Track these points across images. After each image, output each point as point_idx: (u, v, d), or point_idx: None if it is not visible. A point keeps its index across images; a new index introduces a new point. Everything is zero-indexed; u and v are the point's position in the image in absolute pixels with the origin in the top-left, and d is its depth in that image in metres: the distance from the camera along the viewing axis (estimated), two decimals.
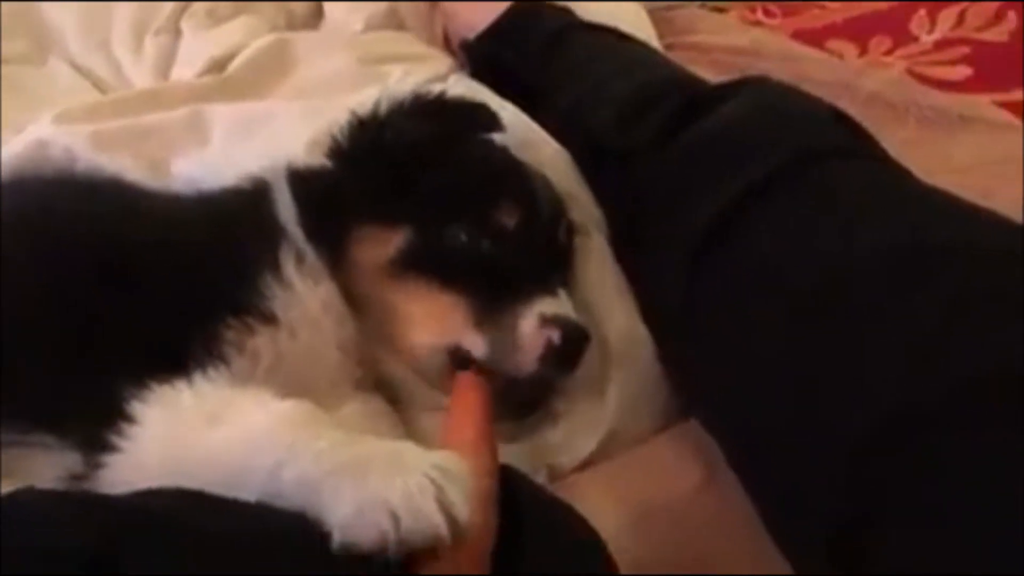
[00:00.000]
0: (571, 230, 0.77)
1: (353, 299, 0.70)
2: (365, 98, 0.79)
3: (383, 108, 0.75)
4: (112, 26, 1.08)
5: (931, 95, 1.04)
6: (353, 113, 0.76)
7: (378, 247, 0.70)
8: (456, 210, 0.70)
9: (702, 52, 1.14)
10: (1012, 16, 1.17)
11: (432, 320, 0.69)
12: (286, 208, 0.71)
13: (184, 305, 0.63)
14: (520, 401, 0.71)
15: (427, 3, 1.09)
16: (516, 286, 0.68)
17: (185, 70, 1.02)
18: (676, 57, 1.00)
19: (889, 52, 1.17)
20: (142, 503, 0.51)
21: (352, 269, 0.70)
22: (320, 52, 1.00)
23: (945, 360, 0.52)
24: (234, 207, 0.73)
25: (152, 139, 0.86)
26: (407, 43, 1.06)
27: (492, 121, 0.78)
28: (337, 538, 0.49)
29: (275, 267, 0.67)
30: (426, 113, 0.76)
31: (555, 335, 0.67)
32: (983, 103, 1.04)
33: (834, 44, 1.20)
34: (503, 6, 0.99)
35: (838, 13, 1.25)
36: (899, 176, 0.68)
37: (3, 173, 0.80)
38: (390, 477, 0.50)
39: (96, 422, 0.57)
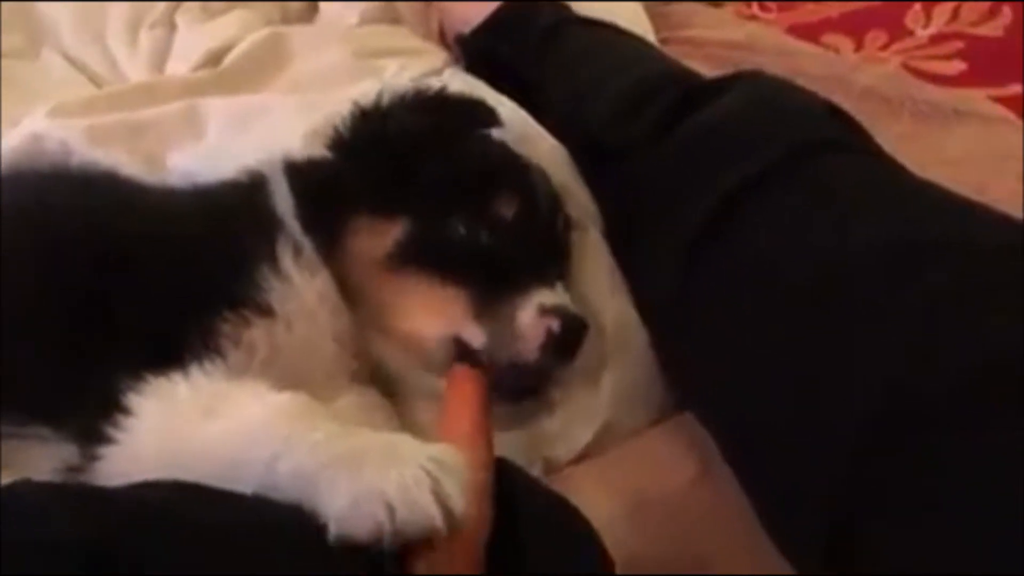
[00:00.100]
0: (568, 223, 0.77)
1: (350, 291, 0.70)
2: (360, 91, 0.79)
3: (385, 101, 0.76)
4: (107, 20, 1.07)
5: (926, 89, 1.05)
6: (356, 104, 0.76)
7: (376, 239, 0.70)
8: (455, 202, 0.70)
9: (697, 46, 1.14)
10: (1007, 11, 1.17)
11: (431, 312, 0.69)
12: (283, 200, 0.71)
13: (180, 298, 0.63)
14: (518, 389, 0.71)
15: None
16: (515, 278, 0.68)
17: (180, 64, 1.01)
18: (672, 51, 1.00)
19: (884, 47, 1.17)
20: (139, 495, 0.51)
21: (349, 261, 0.70)
22: (315, 46, 1.00)
23: (940, 354, 0.52)
24: (230, 200, 0.73)
25: (148, 133, 0.86)
26: (402, 37, 1.06)
27: (491, 117, 0.78)
28: (333, 530, 0.49)
29: (272, 259, 0.67)
30: (427, 107, 0.76)
31: (555, 324, 0.67)
32: (978, 98, 1.04)
33: (829, 38, 1.20)
34: (498, 1, 0.99)
35: (834, 8, 1.25)
36: (893, 171, 0.68)
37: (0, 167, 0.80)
38: (386, 469, 0.50)
39: (92, 414, 0.57)
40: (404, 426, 0.70)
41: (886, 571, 0.51)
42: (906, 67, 1.12)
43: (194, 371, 0.59)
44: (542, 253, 0.72)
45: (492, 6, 0.99)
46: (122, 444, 0.57)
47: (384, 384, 0.71)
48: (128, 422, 0.57)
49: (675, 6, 1.23)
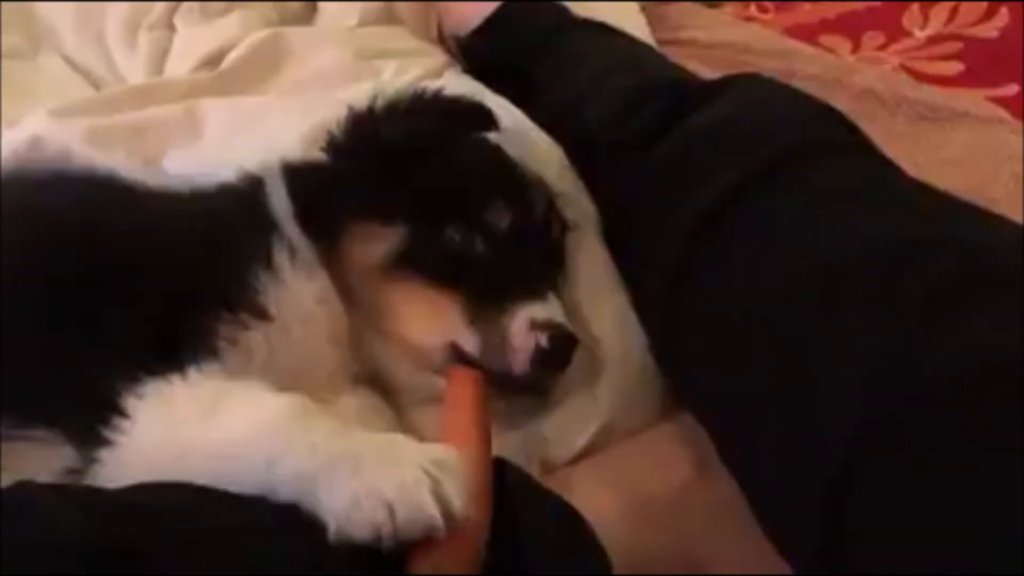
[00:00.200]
0: (564, 228, 0.77)
1: (347, 293, 0.70)
2: (359, 93, 0.79)
3: (379, 104, 0.76)
4: (106, 21, 1.08)
5: (922, 90, 1.05)
6: (350, 108, 0.76)
7: (373, 243, 0.70)
8: (450, 209, 0.71)
9: (695, 48, 1.14)
10: (1004, 12, 1.17)
11: (426, 316, 0.69)
12: (280, 203, 0.71)
13: (178, 300, 0.63)
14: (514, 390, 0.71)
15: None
16: (508, 287, 0.69)
17: (179, 65, 1.01)
18: (669, 52, 1.01)
19: (882, 47, 1.17)
20: (143, 497, 0.51)
21: (346, 264, 0.70)
22: (314, 47, 1.00)
23: (936, 354, 0.52)
24: (228, 202, 0.73)
25: (147, 135, 0.86)
26: (401, 38, 1.06)
27: (489, 120, 0.78)
28: (333, 530, 0.49)
29: (268, 262, 0.67)
30: (423, 110, 0.76)
31: (543, 339, 0.67)
32: (974, 98, 1.05)
33: (827, 39, 1.20)
34: (497, 2, 1.00)
35: (831, 9, 1.26)
36: (889, 172, 0.68)
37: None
38: (385, 469, 0.50)
39: (91, 417, 0.57)
40: (403, 427, 0.70)
41: (882, 570, 0.51)
42: (903, 68, 1.12)
43: (192, 373, 0.59)
44: (536, 263, 0.73)
45: (491, 7, 1.00)
46: (121, 446, 0.57)
47: (383, 385, 0.72)
48: (127, 424, 0.57)
49: (673, 7, 1.24)
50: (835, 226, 0.61)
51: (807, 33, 1.21)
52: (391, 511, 0.48)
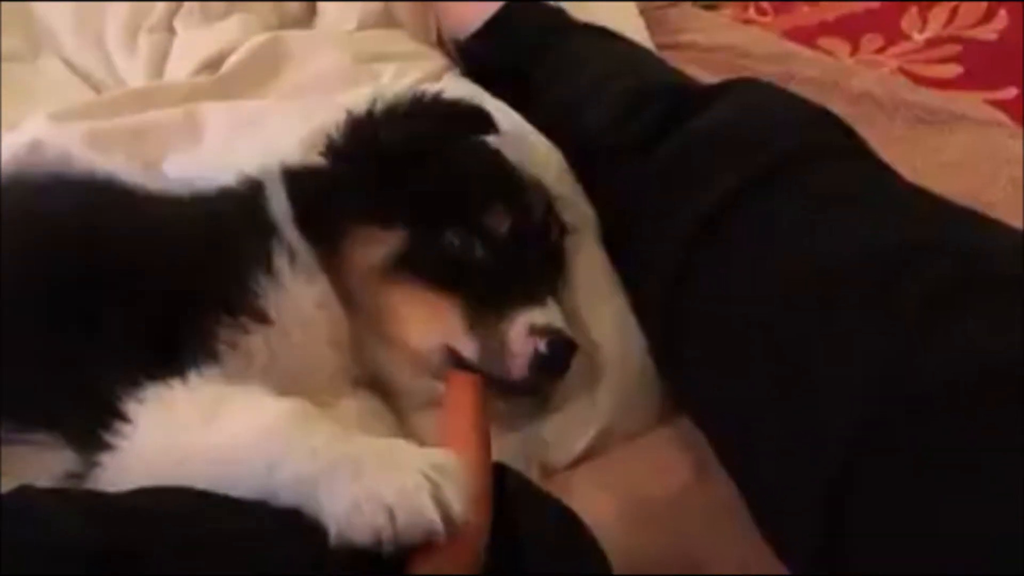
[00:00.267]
0: (563, 232, 0.78)
1: (347, 297, 0.70)
2: (359, 96, 0.79)
3: (379, 107, 0.76)
4: (105, 24, 1.08)
5: (920, 93, 1.05)
6: (349, 112, 0.76)
7: (372, 247, 0.70)
8: (450, 213, 0.71)
9: (694, 51, 1.14)
10: (1003, 14, 1.17)
11: (425, 321, 0.69)
12: (280, 206, 0.71)
13: (178, 303, 0.63)
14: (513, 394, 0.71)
15: (422, 2, 1.09)
16: (507, 291, 0.69)
17: (179, 68, 1.02)
18: (668, 56, 1.01)
19: (881, 50, 1.18)
20: (144, 501, 0.51)
21: (346, 268, 0.70)
22: (313, 51, 1.00)
23: (934, 357, 0.52)
24: (228, 206, 0.73)
25: (146, 138, 0.86)
26: (401, 42, 1.06)
27: (488, 123, 0.79)
28: (333, 535, 0.49)
29: (268, 265, 0.67)
30: (422, 114, 0.76)
31: (542, 345, 0.67)
32: (973, 101, 1.05)
33: (826, 42, 1.20)
34: (496, 5, 1.00)
35: (830, 11, 1.26)
36: (886, 176, 0.68)
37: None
38: (386, 474, 0.50)
39: (91, 421, 0.57)
40: (404, 431, 0.70)
41: (881, 571, 0.51)
42: (902, 71, 1.12)
43: (192, 377, 0.59)
44: (534, 267, 0.73)
45: (491, 10, 1.00)
46: (122, 451, 0.57)
47: (384, 389, 0.72)
48: (127, 429, 0.57)
49: (671, 10, 1.24)
50: (832, 230, 0.62)
51: (806, 36, 1.21)
52: (391, 515, 0.49)
